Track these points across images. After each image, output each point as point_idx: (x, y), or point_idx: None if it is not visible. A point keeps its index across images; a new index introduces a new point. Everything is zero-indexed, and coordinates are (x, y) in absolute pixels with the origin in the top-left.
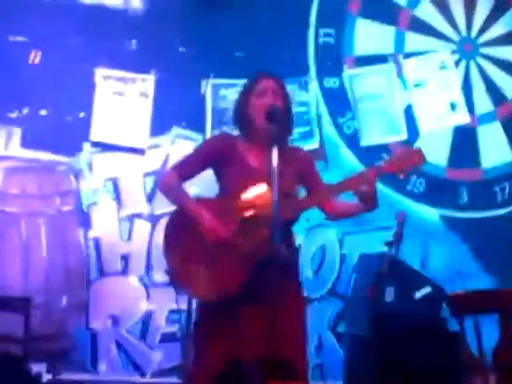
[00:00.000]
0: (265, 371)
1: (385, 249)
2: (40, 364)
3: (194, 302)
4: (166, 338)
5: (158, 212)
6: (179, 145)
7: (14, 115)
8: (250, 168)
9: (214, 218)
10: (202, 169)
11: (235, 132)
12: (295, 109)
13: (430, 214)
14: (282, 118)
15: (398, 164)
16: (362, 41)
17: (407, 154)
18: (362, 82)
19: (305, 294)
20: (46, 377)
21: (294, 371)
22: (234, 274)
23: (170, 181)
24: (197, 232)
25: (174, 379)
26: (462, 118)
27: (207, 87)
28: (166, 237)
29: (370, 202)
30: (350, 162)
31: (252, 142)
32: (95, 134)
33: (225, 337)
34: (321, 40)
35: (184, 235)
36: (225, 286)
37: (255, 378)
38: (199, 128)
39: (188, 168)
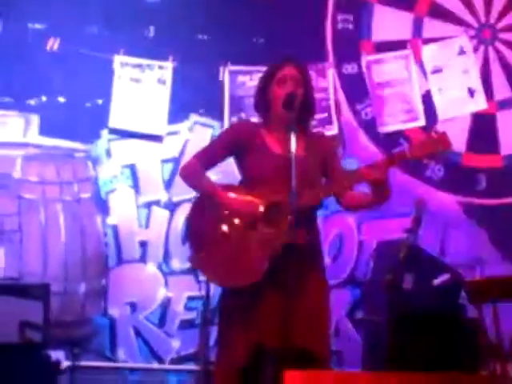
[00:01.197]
0: (286, 358)
1: (403, 235)
2: (59, 351)
3: (213, 289)
4: (185, 325)
5: (175, 199)
6: (197, 132)
7: (32, 102)
8: (272, 154)
9: (242, 197)
10: (225, 157)
11: (255, 119)
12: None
13: (449, 200)
14: (299, 106)
15: (423, 149)
16: (380, 27)
17: (432, 139)
18: (380, 68)
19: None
20: (65, 363)
21: (316, 359)
22: (257, 261)
23: (193, 168)
24: (221, 217)
25: (193, 366)
26: (481, 104)
27: (225, 74)
28: (189, 223)
29: (381, 192)
30: (368, 149)
31: (273, 129)
32: (113, 121)
33: (248, 323)
34: (339, 26)
35: (207, 221)
36: (248, 273)
37: (277, 365)
38: (217, 115)
39: (210, 156)
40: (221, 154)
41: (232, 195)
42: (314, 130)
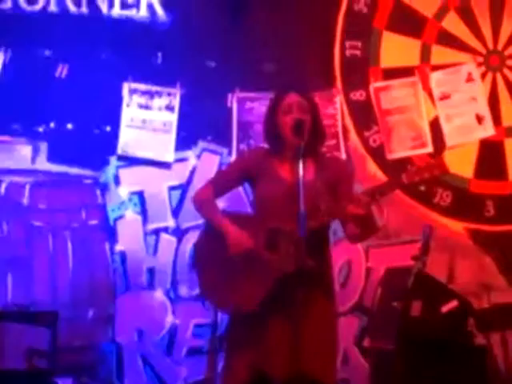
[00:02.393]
0: None
1: (411, 262)
2: (66, 378)
3: (220, 316)
4: (192, 353)
5: (183, 226)
6: (205, 158)
7: (40, 129)
8: (282, 181)
9: (240, 231)
10: (237, 183)
11: (263, 145)
12: None
13: (457, 227)
14: (308, 131)
15: (418, 175)
16: (388, 53)
17: (428, 164)
18: (388, 95)
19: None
20: None
21: None
22: (258, 288)
23: (204, 196)
24: (225, 246)
25: None
26: (489, 130)
27: (233, 100)
28: (197, 251)
29: (366, 225)
30: (376, 176)
31: (284, 157)
32: (121, 148)
33: (252, 349)
34: (347, 52)
35: (214, 249)
36: (249, 299)
37: None
38: (225, 142)
39: (223, 183)
40: (233, 182)
41: (230, 227)
42: (328, 155)
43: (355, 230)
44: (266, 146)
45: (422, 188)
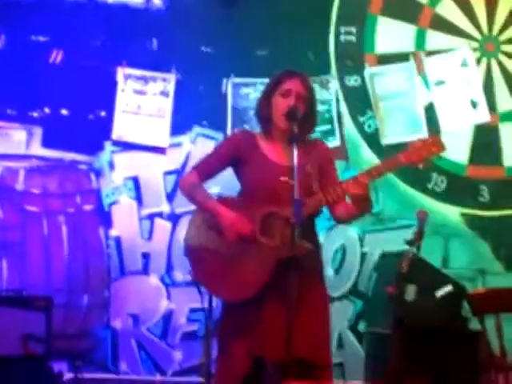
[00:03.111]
0: (287, 370)
1: (406, 247)
2: (61, 363)
3: (215, 301)
4: (187, 337)
5: (178, 211)
6: (200, 144)
7: (35, 114)
8: (271, 163)
9: (235, 215)
10: (223, 167)
11: (256, 129)
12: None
13: (451, 212)
14: (301, 118)
15: (416, 154)
16: (383, 39)
17: (425, 143)
18: (383, 81)
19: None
20: (68, 375)
21: (317, 367)
22: (257, 274)
23: (191, 181)
24: (218, 231)
25: (195, 378)
26: (484, 116)
27: (228, 86)
28: (188, 236)
29: (362, 204)
30: (371, 161)
31: (272, 139)
32: (116, 133)
33: (249, 335)
34: (342, 38)
35: (206, 235)
36: (247, 286)
37: (278, 377)
38: (220, 127)
39: (209, 167)
40: (219, 165)
41: (225, 211)
42: (311, 138)
43: (348, 210)
44: (253, 130)
45: (418, 170)
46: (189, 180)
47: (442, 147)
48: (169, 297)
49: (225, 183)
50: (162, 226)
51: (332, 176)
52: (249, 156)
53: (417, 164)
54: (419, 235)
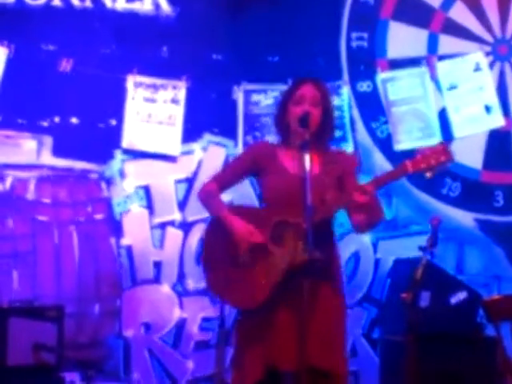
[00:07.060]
0: (302, 380)
1: (419, 253)
2: (73, 373)
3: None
4: (199, 346)
5: (190, 219)
6: (211, 151)
7: (45, 124)
8: (288, 174)
9: (247, 225)
10: (241, 177)
11: (269, 137)
12: None
13: (466, 217)
14: (316, 123)
15: (425, 162)
16: (394, 44)
17: (434, 151)
18: (395, 86)
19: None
20: None
21: (333, 376)
22: (267, 280)
23: (207, 190)
24: (232, 241)
25: None
26: (497, 120)
27: (239, 93)
28: (203, 245)
29: (370, 213)
30: (384, 167)
31: (290, 147)
32: (127, 142)
33: (263, 344)
34: (353, 44)
35: (220, 244)
36: (257, 292)
37: None
38: (231, 134)
39: (228, 177)
40: (237, 176)
41: (237, 221)
42: (334, 148)
43: (361, 219)
44: (269, 137)
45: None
46: (205, 189)
47: (450, 156)
48: (181, 305)
49: (237, 191)
50: (174, 235)
51: (349, 186)
52: (267, 166)
53: (425, 172)
54: (433, 241)
